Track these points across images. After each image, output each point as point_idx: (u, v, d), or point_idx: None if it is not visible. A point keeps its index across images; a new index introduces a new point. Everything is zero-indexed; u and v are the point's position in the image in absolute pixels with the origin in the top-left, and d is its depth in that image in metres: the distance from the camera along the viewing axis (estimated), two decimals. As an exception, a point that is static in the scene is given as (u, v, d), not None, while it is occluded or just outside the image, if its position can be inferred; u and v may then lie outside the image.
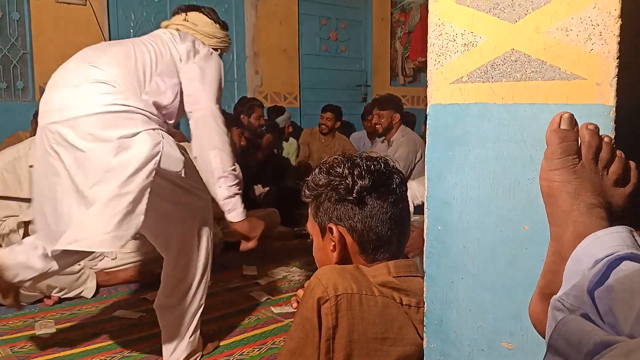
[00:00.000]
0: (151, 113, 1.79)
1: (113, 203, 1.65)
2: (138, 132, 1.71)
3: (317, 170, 1.15)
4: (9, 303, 1.93)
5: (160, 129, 1.80)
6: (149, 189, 1.70)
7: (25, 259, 1.81)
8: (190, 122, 1.95)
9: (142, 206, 1.68)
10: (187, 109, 1.95)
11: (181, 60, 1.94)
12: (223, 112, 2.09)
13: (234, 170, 1.97)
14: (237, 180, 1.98)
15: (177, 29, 2.04)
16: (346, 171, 1.10)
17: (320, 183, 1.13)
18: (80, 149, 1.68)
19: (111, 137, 1.68)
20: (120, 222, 1.65)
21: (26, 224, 2.78)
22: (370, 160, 1.12)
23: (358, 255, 1.11)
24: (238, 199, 2.00)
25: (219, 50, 2.13)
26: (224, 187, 1.95)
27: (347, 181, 1.09)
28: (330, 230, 1.11)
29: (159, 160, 1.72)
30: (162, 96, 1.87)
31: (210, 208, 2.05)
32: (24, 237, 2.78)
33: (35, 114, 3.63)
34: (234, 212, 2.00)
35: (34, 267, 1.81)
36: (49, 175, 1.75)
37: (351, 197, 1.08)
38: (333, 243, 1.11)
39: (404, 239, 1.15)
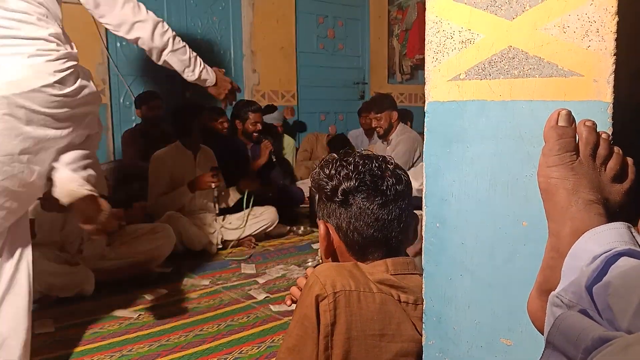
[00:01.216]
0: None
1: None
2: None
3: (317, 167, 1.16)
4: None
5: None
6: None
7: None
8: None
9: None
10: None
11: None
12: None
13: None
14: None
15: None
16: (333, 171, 1.12)
17: (314, 181, 1.16)
18: None
19: None
20: None
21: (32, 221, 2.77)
22: (363, 159, 1.12)
23: (346, 253, 1.13)
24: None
25: None
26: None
27: (333, 182, 1.10)
28: (320, 225, 1.15)
29: None
30: None
31: None
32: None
33: None
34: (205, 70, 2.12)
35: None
36: None
37: (336, 198, 1.10)
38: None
39: (403, 238, 1.14)
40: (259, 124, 4.46)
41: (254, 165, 4.40)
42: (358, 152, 1.17)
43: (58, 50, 1.67)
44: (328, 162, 1.14)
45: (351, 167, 1.10)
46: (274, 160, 4.54)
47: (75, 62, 1.74)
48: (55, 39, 1.68)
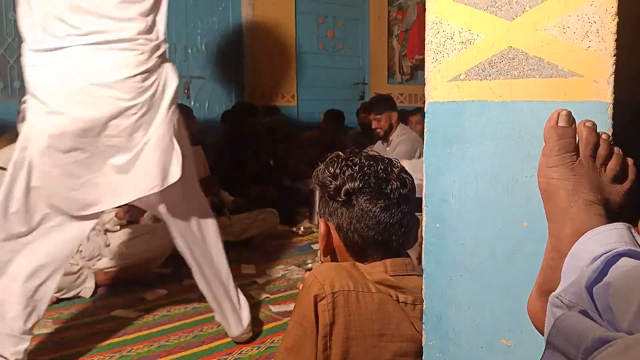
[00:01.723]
0: None
1: None
2: None
3: (321, 165, 1.16)
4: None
5: None
6: None
7: None
8: None
9: None
10: None
11: None
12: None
13: None
14: None
15: None
16: (338, 171, 1.11)
17: (317, 178, 1.15)
18: None
19: None
20: None
21: None
22: (369, 160, 1.11)
23: (345, 253, 1.13)
24: None
25: None
26: None
27: (337, 181, 1.10)
28: (321, 223, 1.14)
29: None
30: None
31: None
32: None
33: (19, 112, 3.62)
34: None
35: None
36: None
37: (339, 198, 1.09)
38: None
39: (404, 241, 1.12)
40: (257, 127, 4.46)
41: (252, 167, 4.41)
42: (365, 152, 1.16)
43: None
44: (333, 161, 1.13)
45: (356, 168, 1.09)
46: (272, 163, 4.55)
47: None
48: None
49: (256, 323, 2.36)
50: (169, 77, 1.88)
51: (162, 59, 1.87)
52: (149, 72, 1.80)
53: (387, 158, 1.14)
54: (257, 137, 4.49)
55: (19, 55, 4.37)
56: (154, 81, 1.82)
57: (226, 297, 2.22)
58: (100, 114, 1.75)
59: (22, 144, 1.83)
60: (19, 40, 4.35)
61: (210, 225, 2.19)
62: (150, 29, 1.82)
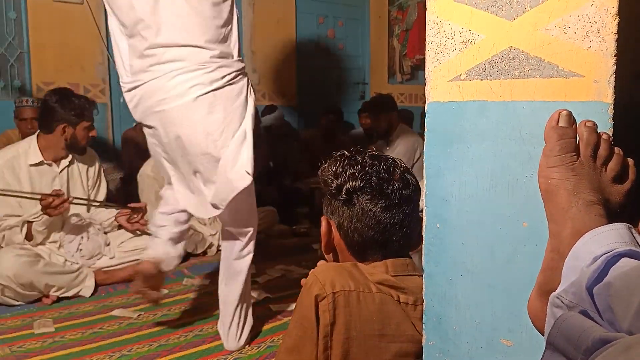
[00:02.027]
0: None
1: None
2: None
3: (326, 163, 1.16)
4: (154, 299, 2.27)
5: None
6: None
7: (167, 248, 2.18)
8: None
9: None
10: None
11: None
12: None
13: None
14: None
15: None
16: (340, 169, 1.10)
17: (320, 176, 1.15)
18: None
19: None
20: None
21: (29, 223, 2.77)
22: (372, 160, 1.11)
23: (346, 251, 1.13)
24: None
25: None
26: None
27: (339, 180, 1.10)
28: (323, 221, 1.14)
29: None
30: None
31: None
32: (26, 236, 2.77)
33: (16, 111, 3.62)
34: None
35: (176, 254, 2.22)
36: None
37: (340, 197, 1.09)
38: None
39: (405, 242, 1.12)
40: (257, 127, 4.46)
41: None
42: (369, 151, 1.15)
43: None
44: (336, 159, 1.13)
45: (358, 167, 1.09)
46: (272, 165, 4.55)
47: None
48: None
49: (254, 323, 2.36)
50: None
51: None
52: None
53: (391, 158, 1.14)
54: (257, 137, 4.50)
55: (19, 54, 4.36)
56: None
57: (235, 313, 2.27)
58: None
59: None
60: (19, 39, 4.35)
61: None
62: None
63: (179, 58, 1.91)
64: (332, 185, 1.10)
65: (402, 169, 1.12)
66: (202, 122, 1.95)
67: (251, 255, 2.34)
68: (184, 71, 1.91)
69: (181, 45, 1.91)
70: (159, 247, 2.20)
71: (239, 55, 2.12)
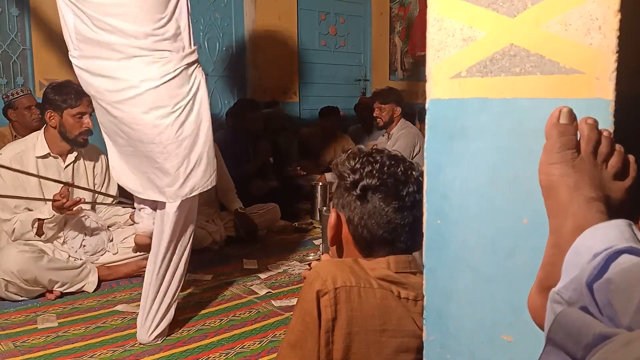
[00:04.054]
0: None
1: None
2: None
3: (343, 155, 1.16)
4: None
5: None
6: None
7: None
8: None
9: None
10: None
11: None
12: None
13: None
14: None
15: None
16: (358, 165, 1.11)
17: (336, 169, 1.15)
18: None
19: None
20: None
21: (40, 221, 2.78)
22: (390, 160, 1.12)
23: (352, 245, 1.13)
24: None
25: None
26: None
27: (356, 175, 1.10)
28: (332, 213, 1.15)
29: None
30: None
31: None
32: (36, 233, 2.78)
33: (7, 106, 3.57)
34: None
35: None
36: None
37: (354, 192, 1.10)
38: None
39: (412, 243, 1.12)
40: (259, 122, 4.48)
41: (253, 163, 4.43)
42: (387, 150, 1.16)
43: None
44: (355, 155, 1.14)
45: (377, 166, 1.10)
46: (272, 161, 4.57)
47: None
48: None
49: (256, 318, 2.37)
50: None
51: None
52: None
53: (409, 161, 1.15)
54: (258, 132, 4.52)
55: (22, 51, 4.36)
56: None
57: (155, 302, 2.28)
58: None
59: None
60: (21, 36, 4.35)
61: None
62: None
63: (120, 46, 1.97)
64: (348, 179, 1.11)
65: (418, 172, 1.13)
66: (148, 115, 2.00)
67: (186, 251, 2.33)
68: (127, 60, 1.98)
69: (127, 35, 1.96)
70: (146, 221, 2.41)
71: (191, 47, 2.11)
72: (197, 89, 2.11)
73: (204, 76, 2.16)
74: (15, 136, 3.47)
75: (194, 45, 2.13)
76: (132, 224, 3.14)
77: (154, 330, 2.25)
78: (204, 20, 5.28)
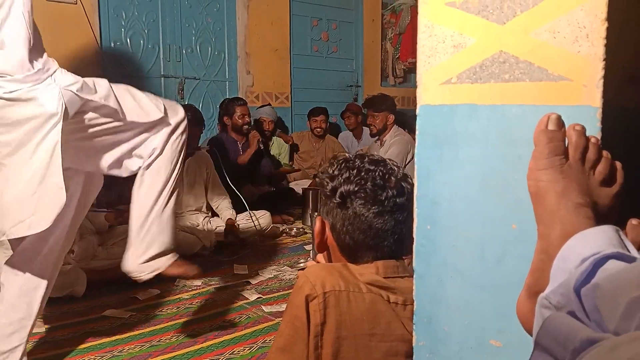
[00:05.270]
0: None
1: None
2: None
3: (325, 164, 1.17)
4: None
5: None
6: None
7: None
8: None
9: None
10: None
11: None
12: None
13: None
14: None
15: None
16: (336, 172, 1.12)
17: (318, 177, 1.17)
18: None
19: None
20: None
21: None
22: (370, 165, 1.12)
23: (338, 252, 1.14)
24: None
25: None
26: None
27: (334, 183, 1.11)
28: (317, 220, 1.16)
29: None
30: None
31: None
32: None
33: None
34: None
35: None
36: None
37: (335, 199, 1.10)
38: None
39: (397, 248, 1.12)
40: (246, 117, 4.56)
41: (244, 157, 4.46)
42: (370, 155, 1.16)
43: None
44: (334, 162, 1.15)
45: (354, 172, 1.10)
46: (262, 148, 4.61)
47: None
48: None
49: (246, 324, 2.36)
50: None
51: None
52: None
53: (390, 164, 1.14)
54: (247, 124, 4.59)
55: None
56: None
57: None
58: None
59: None
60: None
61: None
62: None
63: None
64: (327, 187, 1.12)
65: (398, 176, 1.12)
66: None
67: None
68: None
69: None
70: None
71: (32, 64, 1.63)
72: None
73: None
74: None
75: None
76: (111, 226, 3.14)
77: (144, 253, 1.94)
78: (196, 24, 5.28)
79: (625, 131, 0.77)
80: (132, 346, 2.27)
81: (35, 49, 1.66)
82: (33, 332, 2.33)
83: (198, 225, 3.71)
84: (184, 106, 2.04)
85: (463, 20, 0.81)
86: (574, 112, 0.70)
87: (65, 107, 1.62)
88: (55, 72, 1.67)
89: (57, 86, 1.63)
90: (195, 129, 3.60)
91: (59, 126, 1.60)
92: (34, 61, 1.63)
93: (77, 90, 1.66)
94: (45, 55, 1.69)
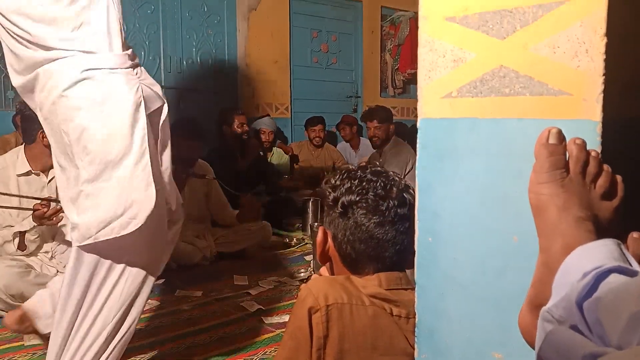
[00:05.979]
0: None
1: None
2: None
3: (329, 175, 1.18)
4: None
5: None
6: None
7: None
8: None
9: None
10: None
11: None
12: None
13: None
14: None
15: None
16: (338, 182, 1.13)
17: (322, 187, 1.19)
18: None
19: None
20: None
21: (21, 234, 2.75)
22: (372, 175, 1.12)
23: (340, 263, 1.14)
24: None
25: None
26: None
27: (336, 193, 1.12)
28: (320, 230, 1.17)
29: None
30: None
31: None
32: (18, 247, 2.75)
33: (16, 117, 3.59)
34: None
35: None
36: None
37: (337, 209, 1.11)
38: None
39: (398, 259, 1.12)
40: (245, 125, 4.58)
41: (243, 163, 4.48)
42: (372, 166, 1.17)
43: None
44: (337, 172, 1.16)
45: (356, 182, 1.11)
46: (262, 154, 4.62)
47: None
48: None
49: (246, 335, 2.35)
50: None
51: None
52: None
53: (392, 175, 1.15)
54: (245, 133, 4.61)
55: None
56: None
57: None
58: None
59: None
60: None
61: None
62: None
63: None
64: (330, 197, 1.13)
65: (400, 187, 1.13)
66: None
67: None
68: None
69: None
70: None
71: None
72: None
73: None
74: (22, 143, 3.49)
75: None
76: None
77: None
78: (197, 36, 5.31)
79: (626, 145, 0.78)
80: (132, 358, 2.26)
81: (122, 37, 1.67)
82: (32, 344, 2.33)
83: (198, 236, 3.70)
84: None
85: (463, 35, 0.81)
86: (574, 126, 0.71)
87: (144, 100, 1.60)
88: (138, 66, 1.69)
89: (137, 78, 1.64)
90: (194, 143, 3.59)
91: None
92: (120, 46, 1.65)
93: (157, 91, 1.67)
94: (131, 50, 1.71)
